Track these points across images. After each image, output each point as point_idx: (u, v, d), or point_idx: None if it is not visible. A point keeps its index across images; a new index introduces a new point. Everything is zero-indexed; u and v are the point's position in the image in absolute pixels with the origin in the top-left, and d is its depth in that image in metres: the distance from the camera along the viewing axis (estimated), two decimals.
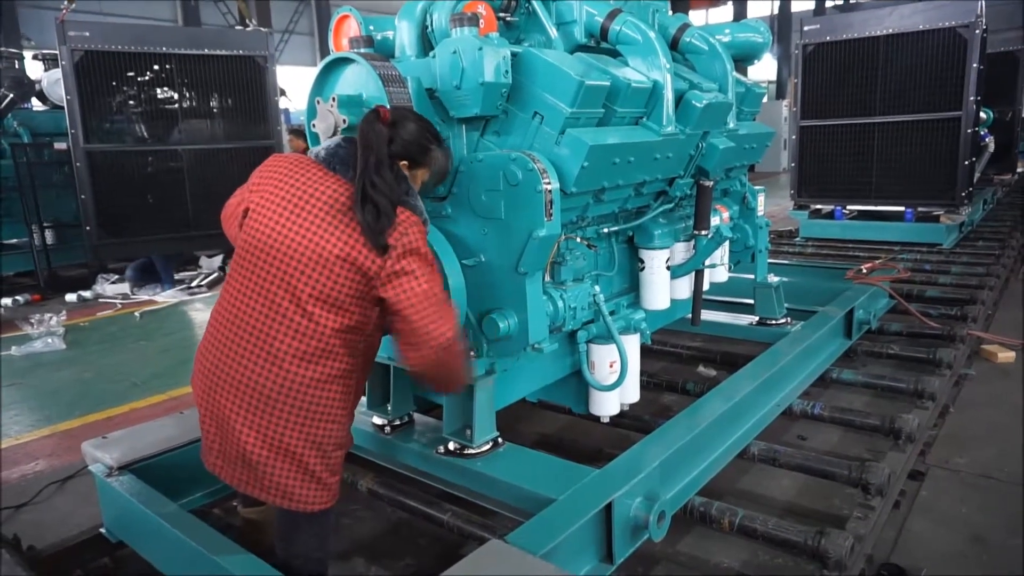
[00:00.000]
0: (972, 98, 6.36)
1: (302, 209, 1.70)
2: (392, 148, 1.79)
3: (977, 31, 6.24)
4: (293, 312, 1.69)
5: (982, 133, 8.14)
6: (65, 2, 6.96)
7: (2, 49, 8.54)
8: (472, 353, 2.36)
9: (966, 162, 6.54)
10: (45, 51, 8.69)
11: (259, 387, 1.72)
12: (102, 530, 2.46)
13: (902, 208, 7.00)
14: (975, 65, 6.29)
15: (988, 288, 5.09)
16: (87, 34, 6.56)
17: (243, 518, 2.29)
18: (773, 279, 3.90)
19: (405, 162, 1.85)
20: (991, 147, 8.71)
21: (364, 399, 2.74)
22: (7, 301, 7.01)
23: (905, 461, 2.83)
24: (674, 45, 2.94)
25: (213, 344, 1.80)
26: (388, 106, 1.91)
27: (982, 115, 7.56)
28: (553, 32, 2.65)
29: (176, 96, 7.07)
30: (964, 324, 4.35)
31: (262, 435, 1.74)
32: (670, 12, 3.12)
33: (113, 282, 7.47)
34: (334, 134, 2.16)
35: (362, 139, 1.72)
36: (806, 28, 7.17)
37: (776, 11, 24.08)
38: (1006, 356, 4.17)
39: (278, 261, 1.70)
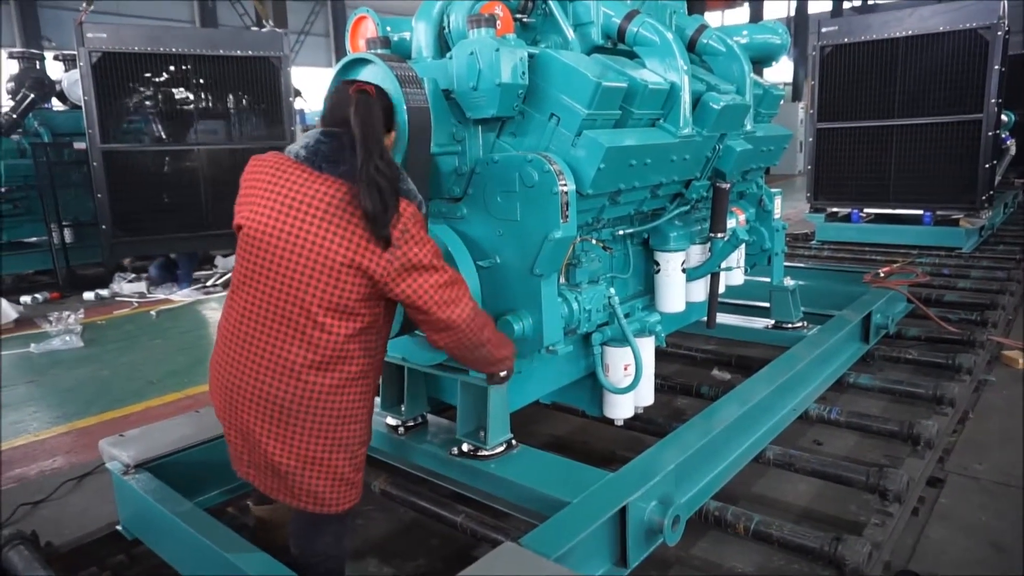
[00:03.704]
0: (993, 100, 6.28)
1: (297, 218, 1.65)
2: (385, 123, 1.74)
3: (999, 32, 6.17)
4: (304, 324, 1.67)
5: (1003, 136, 8.03)
6: (84, 4, 7.04)
7: (24, 50, 8.64)
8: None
9: (987, 165, 6.46)
10: (66, 52, 8.79)
11: (279, 400, 1.71)
12: (118, 527, 2.48)
13: (920, 212, 6.93)
14: (996, 67, 6.22)
15: (1009, 293, 5.03)
16: (104, 35, 6.64)
17: (254, 515, 2.29)
18: (789, 282, 3.87)
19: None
20: (1012, 150, 8.59)
21: (378, 400, 2.75)
22: (26, 299, 7.09)
23: (924, 467, 2.79)
24: (691, 47, 2.92)
25: (227, 358, 1.78)
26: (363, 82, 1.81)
27: (1003, 118, 7.45)
28: (570, 33, 2.64)
29: (192, 96, 7.13)
30: (984, 329, 4.29)
31: (288, 446, 1.73)
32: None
33: (130, 281, 7.55)
34: None
35: (361, 125, 1.66)
36: (824, 30, 7.12)
37: (793, 12, 23.91)
38: None
39: (283, 273, 1.66)
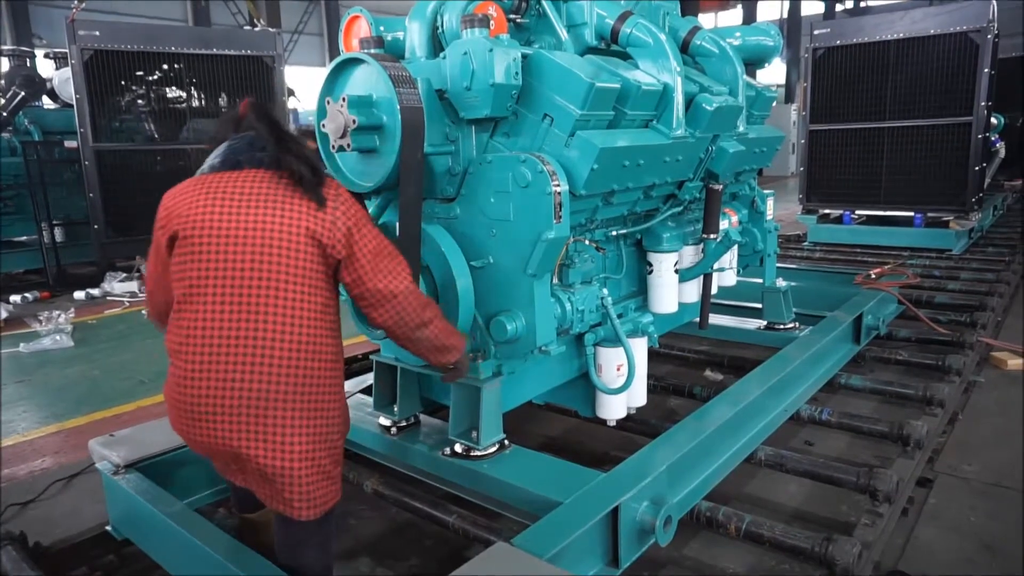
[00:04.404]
0: (983, 103, 6.34)
1: (239, 205, 1.65)
2: None
3: (989, 36, 6.22)
4: (269, 308, 1.64)
5: (993, 139, 8.10)
6: (75, 1, 7.00)
7: (14, 47, 8.60)
8: (480, 355, 2.35)
9: (976, 167, 6.51)
10: (56, 50, 8.75)
11: (253, 401, 1.65)
12: (108, 528, 2.47)
13: (911, 213, 6.97)
14: (987, 70, 6.27)
15: (998, 295, 5.06)
16: (96, 33, 6.61)
17: (241, 518, 2.26)
18: (781, 283, 3.88)
19: None
20: (1002, 153, 8.67)
21: (371, 400, 2.75)
22: (16, 298, 7.04)
23: (913, 468, 2.80)
24: (684, 48, 2.93)
25: (186, 377, 1.67)
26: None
27: (993, 120, 7.53)
28: (563, 34, 2.64)
29: (184, 95, 7.11)
30: (974, 331, 4.32)
31: (270, 446, 1.68)
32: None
33: (121, 280, 7.50)
34: (343, 134, 2.16)
35: (267, 118, 1.78)
36: (816, 32, 7.16)
37: (786, 14, 24.02)
38: (1016, 363, 4.14)
39: (237, 262, 1.63)
